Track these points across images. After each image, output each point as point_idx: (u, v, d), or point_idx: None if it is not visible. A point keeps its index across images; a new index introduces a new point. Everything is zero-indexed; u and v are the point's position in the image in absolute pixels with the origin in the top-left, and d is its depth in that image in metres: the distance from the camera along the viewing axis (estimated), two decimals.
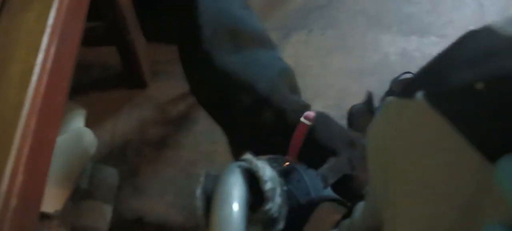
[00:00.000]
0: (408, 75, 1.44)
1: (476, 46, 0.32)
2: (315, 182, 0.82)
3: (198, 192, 0.64)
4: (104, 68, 1.71)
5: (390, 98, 0.36)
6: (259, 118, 0.97)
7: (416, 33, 1.75)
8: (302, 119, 0.97)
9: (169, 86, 1.66)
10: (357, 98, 1.56)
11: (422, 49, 1.71)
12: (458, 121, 0.28)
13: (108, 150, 1.52)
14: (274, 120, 0.97)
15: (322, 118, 1.01)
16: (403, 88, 0.35)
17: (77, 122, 1.28)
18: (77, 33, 0.80)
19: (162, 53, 1.72)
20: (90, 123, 1.37)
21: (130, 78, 1.59)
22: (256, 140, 1.00)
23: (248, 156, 0.66)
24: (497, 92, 0.27)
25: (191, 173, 1.46)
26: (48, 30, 0.68)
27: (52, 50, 0.67)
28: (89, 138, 1.25)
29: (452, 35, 1.65)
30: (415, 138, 0.32)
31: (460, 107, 0.28)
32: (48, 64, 0.66)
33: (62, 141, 1.14)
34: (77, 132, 1.22)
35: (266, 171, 0.63)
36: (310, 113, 1.00)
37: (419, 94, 0.31)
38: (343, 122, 1.53)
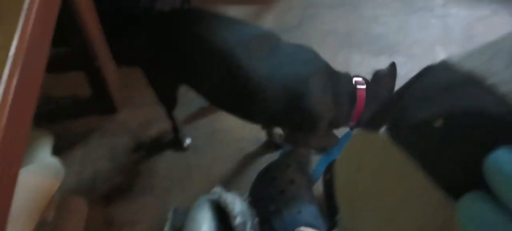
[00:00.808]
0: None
1: (434, 81, 0.32)
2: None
3: (167, 228, 0.62)
4: (73, 94, 1.67)
5: (356, 130, 0.36)
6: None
7: (385, 53, 1.79)
8: (358, 86, 1.13)
9: (141, 111, 1.63)
10: None
11: None
12: (420, 158, 0.28)
13: (77, 178, 1.48)
14: (335, 95, 1.11)
15: (366, 79, 1.18)
16: (368, 120, 0.35)
17: (44, 151, 1.23)
18: (41, 63, 0.78)
19: (133, 78, 1.70)
20: (58, 151, 1.32)
21: (100, 104, 1.56)
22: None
23: (217, 189, 0.65)
24: (455, 128, 0.27)
25: (164, 201, 1.42)
26: (9, 61, 0.65)
27: (14, 82, 0.65)
28: (56, 167, 1.21)
29: (419, 54, 1.70)
30: (380, 172, 0.31)
31: (421, 143, 0.28)
32: (10, 97, 0.64)
33: (27, 172, 1.10)
34: (44, 161, 1.18)
35: (236, 205, 0.62)
36: (358, 79, 1.15)
37: (383, 129, 0.30)
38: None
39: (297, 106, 1.10)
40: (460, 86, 0.29)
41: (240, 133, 1.58)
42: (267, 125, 1.36)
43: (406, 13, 1.93)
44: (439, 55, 1.76)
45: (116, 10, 1.55)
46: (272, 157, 1.51)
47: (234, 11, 1.95)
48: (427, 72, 0.34)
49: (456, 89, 0.29)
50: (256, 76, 1.07)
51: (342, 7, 1.96)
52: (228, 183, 1.45)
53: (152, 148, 1.54)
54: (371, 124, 0.33)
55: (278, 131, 1.56)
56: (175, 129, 1.51)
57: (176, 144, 1.53)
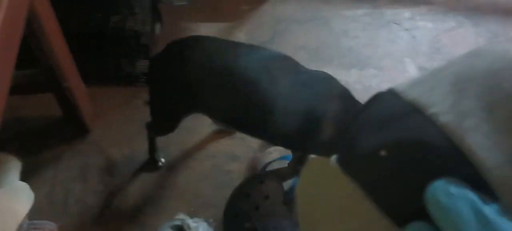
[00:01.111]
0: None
1: (381, 110, 0.33)
2: None
3: None
4: (43, 114, 1.64)
5: (312, 156, 0.37)
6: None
7: (356, 66, 1.82)
8: None
9: (112, 130, 1.61)
10: None
11: (362, 82, 1.77)
12: (367, 186, 0.29)
13: (48, 202, 1.44)
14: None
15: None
16: (323, 147, 0.35)
17: (12, 176, 1.20)
18: (4, 86, 0.77)
19: (103, 97, 1.68)
20: (27, 175, 1.29)
21: (71, 124, 1.53)
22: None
23: (181, 215, 0.65)
24: (398, 158, 0.28)
25: (138, 221, 1.41)
26: None
27: None
28: (25, 192, 1.17)
29: (389, 66, 1.74)
30: (334, 201, 0.32)
31: (368, 173, 0.29)
32: None
33: None
34: (11, 187, 1.15)
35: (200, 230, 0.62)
36: None
37: (333, 158, 0.31)
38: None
39: (312, 130, 1.09)
40: (404, 116, 0.30)
41: (214, 149, 1.58)
42: (279, 144, 1.34)
43: (375, 27, 1.97)
44: (408, 67, 1.80)
45: (85, 29, 1.54)
46: (247, 173, 1.52)
47: (206, 29, 1.96)
48: (376, 100, 0.35)
49: (400, 119, 0.30)
50: (276, 96, 1.08)
51: (313, 22, 1.99)
52: (203, 201, 1.45)
53: (125, 167, 1.52)
54: (326, 150, 0.34)
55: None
56: (152, 150, 1.50)
57: (150, 163, 1.52)
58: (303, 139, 1.12)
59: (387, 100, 0.34)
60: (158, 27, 1.86)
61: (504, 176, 0.33)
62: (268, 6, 2.08)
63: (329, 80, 1.14)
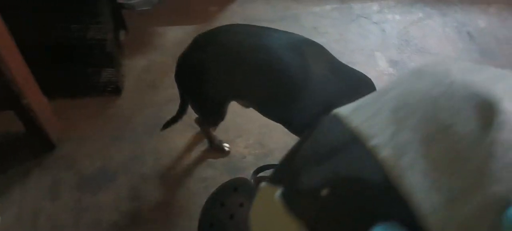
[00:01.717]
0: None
1: (324, 139, 0.31)
2: None
3: None
4: (6, 131, 1.57)
5: (263, 184, 0.35)
6: None
7: None
8: None
9: (82, 143, 1.56)
10: (278, 134, 1.57)
11: None
12: (310, 226, 0.27)
13: (16, 223, 1.39)
14: None
15: None
16: (272, 174, 0.34)
17: None
18: None
19: (71, 109, 1.63)
20: None
21: (36, 140, 1.48)
22: None
23: None
24: (339, 199, 0.27)
25: None
26: None
27: None
28: None
29: (361, 61, 1.73)
30: None
31: (310, 211, 0.28)
32: None
33: None
34: None
35: None
36: None
37: (278, 194, 0.30)
38: (268, 159, 1.53)
39: None
40: (346, 147, 0.29)
41: (188, 156, 1.55)
42: (299, 130, 1.31)
43: (345, 22, 1.97)
44: (379, 61, 1.80)
45: (45, 41, 1.48)
46: (222, 179, 1.49)
47: (173, 32, 1.93)
48: (320, 127, 0.34)
49: (342, 150, 0.29)
50: (305, 80, 1.07)
51: (283, 20, 1.98)
52: (178, 210, 1.41)
53: (97, 181, 1.48)
54: (274, 178, 0.32)
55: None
56: (211, 141, 1.53)
57: (216, 150, 1.53)
58: None
59: (330, 127, 0.33)
60: (122, 34, 1.81)
61: (442, 220, 0.32)
62: (237, 6, 2.05)
63: (364, 80, 1.13)
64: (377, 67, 1.78)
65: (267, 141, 1.57)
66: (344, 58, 1.84)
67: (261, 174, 1.39)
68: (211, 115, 1.37)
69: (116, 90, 1.70)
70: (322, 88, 1.07)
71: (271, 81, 1.12)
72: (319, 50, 1.15)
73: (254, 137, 1.59)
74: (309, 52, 1.12)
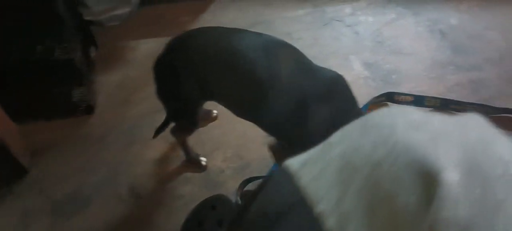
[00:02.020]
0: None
1: (272, 199, 0.30)
2: None
3: None
4: None
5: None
6: None
7: None
8: None
9: (53, 166, 1.51)
10: (256, 145, 1.55)
11: None
12: None
13: None
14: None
15: None
16: (232, 220, 0.32)
17: None
18: None
19: (40, 132, 1.58)
20: None
21: (6, 168, 1.42)
22: None
23: None
24: None
25: None
26: None
27: None
28: None
29: (336, 65, 1.71)
30: None
31: None
32: None
33: None
34: None
35: None
36: None
37: None
38: (246, 171, 1.51)
39: (299, 123, 1.08)
40: (293, 210, 0.28)
41: (165, 173, 1.51)
42: (270, 130, 1.30)
43: (318, 26, 1.96)
44: (354, 64, 1.80)
45: (9, 63, 1.42)
46: (201, 195, 1.46)
47: (146, 45, 1.89)
48: (269, 184, 0.32)
49: (289, 213, 0.28)
50: (273, 78, 1.06)
51: (255, 27, 1.96)
52: (157, 230, 1.38)
53: (69, 206, 1.43)
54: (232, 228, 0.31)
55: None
56: (188, 153, 1.50)
57: (194, 165, 1.50)
58: (290, 129, 1.10)
59: (279, 186, 0.31)
60: (93, 50, 1.77)
61: None
62: (209, 15, 2.02)
63: (335, 78, 1.11)
64: (352, 71, 1.77)
65: (245, 153, 1.55)
66: (319, 63, 1.83)
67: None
68: (185, 118, 1.35)
69: (88, 109, 1.66)
70: (291, 88, 1.07)
71: (238, 82, 1.13)
72: (289, 51, 1.14)
73: (231, 149, 1.57)
74: (279, 53, 1.11)
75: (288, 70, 1.08)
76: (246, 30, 1.18)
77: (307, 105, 1.06)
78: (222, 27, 1.21)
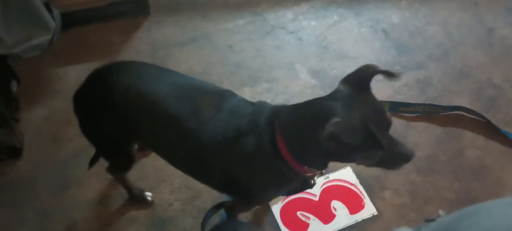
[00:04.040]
0: None
1: None
2: None
3: None
4: None
5: None
6: None
7: (247, 83, 1.70)
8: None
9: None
10: None
11: (256, 98, 1.66)
12: None
13: None
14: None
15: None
16: None
17: None
18: None
19: None
20: None
21: None
22: None
23: None
24: None
25: None
26: None
27: None
28: None
29: (281, 76, 1.63)
30: None
31: None
32: None
33: None
34: None
35: None
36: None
37: None
38: (196, 202, 1.40)
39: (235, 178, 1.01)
40: None
41: (106, 215, 1.38)
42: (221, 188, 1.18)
43: (260, 35, 1.87)
44: (300, 73, 1.72)
45: None
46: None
47: (75, 72, 1.73)
48: None
49: None
50: (198, 130, 0.98)
51: (194, 42, 1.84)
52: None
53: None
54: None
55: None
56: (129, 190, 1.38)
57: (138, 203, 1.39)
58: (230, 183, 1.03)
59: None
60: (14, 84, 1.59)
61: None
62: (143, 33, 1.88)
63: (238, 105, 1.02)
64: (298, 80, 1.70)
65: (193, 182, 1.42)
66: (264, 76, 1.76)
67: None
68: (115, 157, 1.23)
69: (14, 152, 1.49)
70: (215, 133, 0.98)
71: (162, 134, 1.04)
72: (210, 95, 1.04)
73: (178, 179, 1.45)
74: (199, 98, 1.02)
75: (209, 114, 0.99)
76: (167, 71, 1.08)
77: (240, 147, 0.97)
78: (143, 64, 1.10)
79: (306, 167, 0.94)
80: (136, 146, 1.22)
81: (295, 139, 0.91)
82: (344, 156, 0.89)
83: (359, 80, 0.88)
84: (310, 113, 0.89)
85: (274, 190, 1.07)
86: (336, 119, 0.80)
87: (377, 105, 0.88)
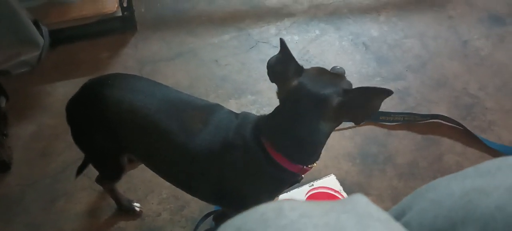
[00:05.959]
0: None
1: None
2: None
3: None
4: None
5: None
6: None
7: (233, 95, 1.75)
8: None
9: None
10: None
11: (242, 110, 1.71)
12: None
13: None
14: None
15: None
16: None
17: None
18: None
19: None
20: None
21: None
22: None
23: None
24: None
25: None
26: None
27: None
28: None
29: (265, 89, 1.68)
30: None
31: None
32: None
33: None
34: None
35: None
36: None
37: None
38: (185, 212, 1.42)
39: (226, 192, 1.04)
40: None
41: (95, 228, 1.39)
42: (213, 201, 1.21)
43: (244, 50, 1.93)
44: None
45: None
46: None
47: (63, 88, 1.76)
48: None
49: None
50: (189, 146, 1.01)
51: (180, 57, 1.89)
52: None
53: None
54: None
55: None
56: (117, 201, 1.39)
57: (127, 213, 1.40)
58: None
59: None
60: (2, 100, 1.61)
61: None
62: (130, 49, 1.93)
63: (224, 116, 1.06)
64: None
65: (181, 192, 1.45)
66: (249, 89, 1.81)
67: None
68: (105, 167, 1.26)
69: (3, 166, 1.50)
70: (202, 146, 1.01)
71: (152, 146, 1.07)
72: (198, 109, 1.07)
73: (166, 190, 1.48)
74: (188, 111, 1.05)
75: (200, 130, 1.02)
76: (159, 84, 1.11)
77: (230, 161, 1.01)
78: (136, 78, 1.13)
79: (304, 166, 0.99)
80: (126, 158, 1.25)
81: (288, 140, 0.95)
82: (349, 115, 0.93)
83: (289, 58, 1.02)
84: (298, 109, 0.92)
85: (269, 196, 1.10)
86: (334, 89, 0.90)
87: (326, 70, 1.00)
